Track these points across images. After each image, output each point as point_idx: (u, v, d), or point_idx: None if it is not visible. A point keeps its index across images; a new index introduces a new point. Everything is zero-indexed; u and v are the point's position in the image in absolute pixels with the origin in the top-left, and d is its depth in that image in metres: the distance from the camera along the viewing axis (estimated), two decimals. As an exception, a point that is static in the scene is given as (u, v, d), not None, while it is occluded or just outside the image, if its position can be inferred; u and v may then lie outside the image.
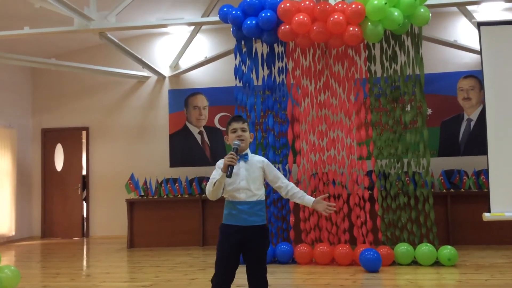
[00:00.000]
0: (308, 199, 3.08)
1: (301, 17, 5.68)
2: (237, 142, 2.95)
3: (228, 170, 2.82)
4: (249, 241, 2.95)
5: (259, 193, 3.01)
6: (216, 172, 2.94)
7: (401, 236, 5.99)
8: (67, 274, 5.93)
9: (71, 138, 10.07)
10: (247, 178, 2.98)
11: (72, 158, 10.05)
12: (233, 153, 2.85)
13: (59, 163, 10.10)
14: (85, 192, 9.96)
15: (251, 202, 2.96)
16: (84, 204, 9.98)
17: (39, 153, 10.14)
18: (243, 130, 3.04)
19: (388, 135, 6.14)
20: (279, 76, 6.52)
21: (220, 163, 2.93)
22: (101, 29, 7.18)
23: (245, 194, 2.96)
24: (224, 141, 3.11)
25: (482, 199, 6.52)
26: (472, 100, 8.60)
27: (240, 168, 2.99)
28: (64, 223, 9.88)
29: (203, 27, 9.10)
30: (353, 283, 4.94)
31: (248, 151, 3.08)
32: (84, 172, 10.05)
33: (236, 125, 3.04)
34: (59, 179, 10.03)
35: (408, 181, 6.12)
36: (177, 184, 8.16)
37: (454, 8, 8.25)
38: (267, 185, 6.23)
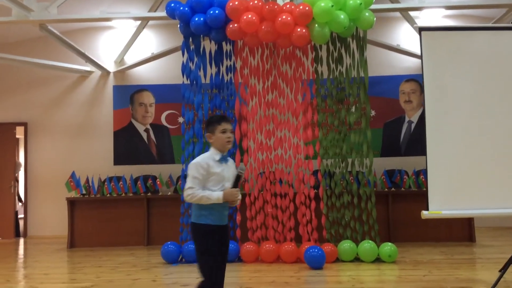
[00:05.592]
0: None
1: (250, 16, 5.68)
2: (243, 170, 2.86)
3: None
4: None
5: None
6: (216, 196, 2.83)
7: (344, 233, 6.13)
8: (1, 275, 5.64)
9: (5, 133, 9.53)
10: (230, 179, 2.95)
11: (5, 155, 9.54)
12: (238, 189, 2.82)
13: (-8, 160, 9.57)
14: (22, 190, 9.51)
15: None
16: (21, 203, 9.53)
17: (-28, 149, 9.58)
18: (232, 132, 2.96)
19: (333, 135, 6.27)
20: (227, 74, 6.50)
21: (223, 188, 2.88)
22: (41, 20, 6.88)
23: None
24: (207, 139, 2.97)
25: (421, 197, 6.81)
26: (413, 103, 8.93)
27: (225, 169, 2.94)
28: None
29: (150, 22, 8.92)
30: (298, 280, 5.00)
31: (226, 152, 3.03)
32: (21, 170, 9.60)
33: (226, 125, 2.93)
34: (-9, 176, 9.50)
35: (352, 180, 6.27)
36: (121, 183, 7.95)
37: (398, 14, 8.52)
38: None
